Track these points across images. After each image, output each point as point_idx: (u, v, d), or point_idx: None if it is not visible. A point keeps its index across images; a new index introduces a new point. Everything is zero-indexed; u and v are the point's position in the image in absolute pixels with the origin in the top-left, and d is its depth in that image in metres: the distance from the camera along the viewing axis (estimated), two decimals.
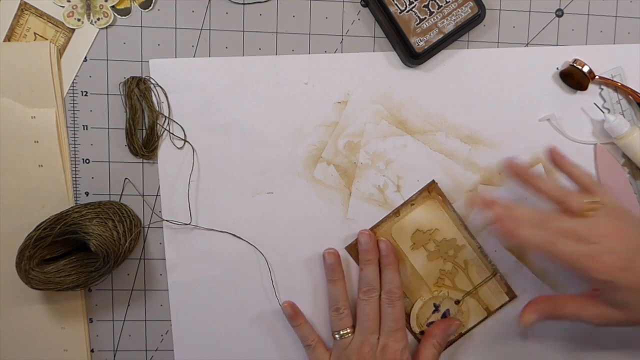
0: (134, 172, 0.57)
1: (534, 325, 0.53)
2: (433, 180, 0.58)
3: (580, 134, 0.59)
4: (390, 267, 0.57)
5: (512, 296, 0.60)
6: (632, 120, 0.58)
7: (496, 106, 0.58)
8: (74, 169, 0.56)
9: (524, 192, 0.59)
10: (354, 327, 0.57)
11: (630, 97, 0.58)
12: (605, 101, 0.58)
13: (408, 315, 0.60)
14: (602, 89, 0.58)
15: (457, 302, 0.60)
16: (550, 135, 0.58)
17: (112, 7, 0.55)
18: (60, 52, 0.55)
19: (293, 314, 0.58)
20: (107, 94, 0.56)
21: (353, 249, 0.58)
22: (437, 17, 0.55)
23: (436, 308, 0.60)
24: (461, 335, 0.60)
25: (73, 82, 0.56)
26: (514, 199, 0.59)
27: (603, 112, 0.58)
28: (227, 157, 0.57)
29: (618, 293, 0.49)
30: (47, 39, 0.55)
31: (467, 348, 0.60)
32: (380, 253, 0.57)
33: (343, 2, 0.57)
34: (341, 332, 0.57)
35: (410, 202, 0.59)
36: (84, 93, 0.56)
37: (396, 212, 0.58)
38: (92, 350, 0.58)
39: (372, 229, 0.58)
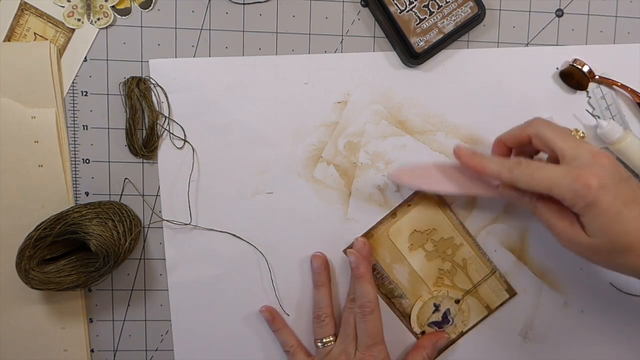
0: (134, 172, 0.57)
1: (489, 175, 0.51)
2: None
3: None
4: (361, 279, 0.55)
5: (512, 293, 0.60)
6: (624, 124, 0.58)
7: (496, 106, 0.58)
8: (74, 169, 0.56)
9: None
10: (337, 335, 0.57)
11: (629, 98, 0.58)
12: (594, 108, 0.58)
13: (408, 316, 0.60)
14: (590, 97, 0.58)
15: (457, 301, 0.60)
16: None
17: (112, 7, 0.55)
18: (60, 52, 0.55)
19: (271, 319, 0.57)
20: (107, 94, 0.56)
21: None
22: (437, 17, 0.55)
23: (436, 308, 0.60)
24: (462, 334, 0.60)
25: (73, 82, 0.56)
26: None
27: (595, 118, 0.58)
28: (227, 157, 0.57)
29: (591, 213, 0.46)
30: (47, 39, 0.55)
31: (469, 347, 0.61)
32: (350, 265, 0.56)
33: (343, 2, 0.57)
34: (324, 340, 0.56)
35: (406, 203, 0.59)
36: (84, 93, 0.56)
37: (393, 214, 0.58)
38: (92, 350, 0.58)
39: (369, 231, 0.58)
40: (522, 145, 0.52)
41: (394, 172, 0.56)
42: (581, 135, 0.52)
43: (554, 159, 0.49)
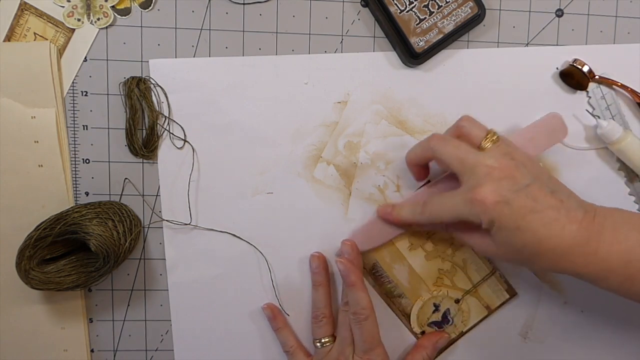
0: (134, 172, 0.57)
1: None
2: (428, 180, 0.58)
3: (579, 135, 0.59)
4: (352, 287, 0.54)
5: (512, 293, 0.60)
6: (624, 124, 0.58)
7: (496, 106, 0.58)
8: (74, 169, 0.56)
9: None
10: (335, 335, 0.56)
11: (629, 98, 0.58)
12: (594, 109, 0.58)
13: (408, 316, 0.60)
14: (590, 97, 0.58)
15: (457, 301, 0.60)
16: None
17: (112, 7, 0.55)
18: (60, 52, 0.55)
19: (272, 317, 0.57)
20: (107, 94, 0.56)
21: None
22: (437, 17, 0.55)
23: (436, 308, 0.60)
24: (462, 334, 0.60)
25: (73, 82, 0.56)
26: None
27: (595, 118, 0.58)
28: (227, 157, 0.57)
29: (494, 228, 0.47)
30: (47, 39, 0.55)
31: (468, 347, 0.61)
32: (340, 274, 0.55)
33: (343, 2, 0.57)
34: (322, 340, 0.56)
35: None
36: (84, 93, 0.56)
37: None
38: (92, 350, 0.58)
39: None
40: (430, 161, 0.53)
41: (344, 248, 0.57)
42: (493, 139, 0.49)
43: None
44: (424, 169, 0.55)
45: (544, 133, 0.55)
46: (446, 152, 0.49)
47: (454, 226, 0.52)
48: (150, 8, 0.56)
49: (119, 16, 0.55)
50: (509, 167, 0.47)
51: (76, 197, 0.57)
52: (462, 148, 0.49)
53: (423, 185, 0.57)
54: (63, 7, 0.55)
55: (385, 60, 0.57)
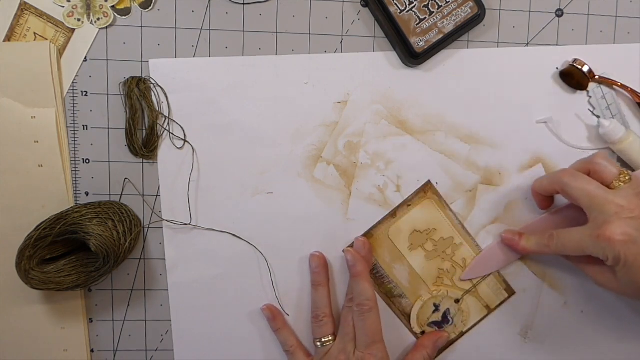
0: (134, 172, 0.57)
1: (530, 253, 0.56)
2: (429, 181, 0.58)
3: (579, 135, 0.59)
4: (358, 278, 0.55)
5: (510, 292, 0.60)
6: (624, 124, 0.58)
7: (496, 106, 0.58)
8: (74, 169, 0.56)
9: (523, 193, 0.59)
10: (336, 334, 0.57)
11: (629, 98, 0.58)
12: (594, 108, 0.58)
13: (408, 316, 0.60)
14: (590, 97, 0.58)
15: (457, 300, 0.60)
16: (550, 135, 0.59)
17: (112, 7, 0.55)
18: (60, 52, 0.55)
19: (272, 317, 0.58)
20: (107, 94, 0.56)
21: None
22: (437, 17, 0.55)
23: (436, 308, 0.60)
24: (462, 334, 0.60)
25: (73, 82, 0.56)
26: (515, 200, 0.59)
27: (597, 117, 0.58)
28: (227, 157, 0.57)
29: (619, 265, 0.48)
30: (47, 39, 0.55)
31: (469, 347, 0.61)
32: (347, 264, 0.56)
33: (343, 2, 0.57)
34: (323, 340, 0.56)
35: (406, 203, 0.59)
36: (84, 93, 0.56)
37: (393, 214, 0.58)
38: (92, 350, 0.58)
39: (369, 231, 0.58)
40: (557, 193, 0.55)
41: (466, 274, 0.59)
42: (626, 179, 0.50)
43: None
44: (549, 199, 0.57)
45: None
46: (577, 187, 0.51)
47: (578, 259, 0.53)
48: (150, 8, 0.56)
49: (119, 16, 0.55)
50: (638, 208, 0.48)
51: (76, 197, 0.57)
52: (593, 185, 0.50)
53: (545, 213, 0.58)
54: (63, 7, 0.55)
55: (385, 60, 0.57)
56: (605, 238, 0.48)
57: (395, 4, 0.55)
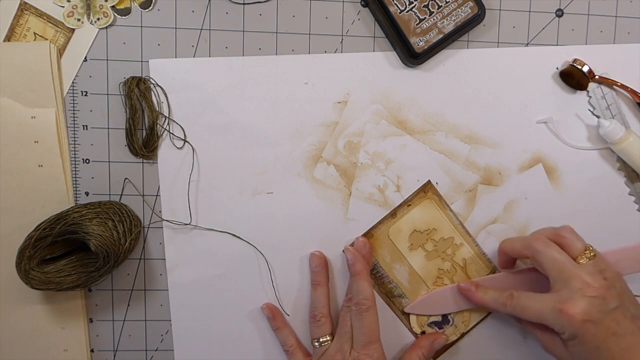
0: (134, 172, 0.57)
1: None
2: (429, 181, 0.58)
3: (579, 135, 0.59)
4: (357, 276, 0.55)
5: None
6: (624, 124, 0.58)
7: (496, 106, 0.58)
8: (74, 169, 0.56)
9: (523, 193, 0.59)
10: (334, 334, 0.56)
11: (629, 98, 0.58)
12: (594, 108, 0.58)
13: (408, 316, 0.60)
14: (590, 97, 0.58)
15: None
16: (550, 135, 0.59)
17: (112, 7, 0.55)
18: (60, 52, 0.55)
19: (272, 316, 0.58)
20: (107, 94, 0.56)
21: None
22: (437, 17, 0.55)
23: None
24: (463, 334, 0.60)
25: (73, 82, 0.56)
26: (513, 201, 0.59)
27: (597, 117, 0.58)
28: (227, 157, 0.57)
29: (574, 341, 0.49)
30: (47, 39, 0.55)
31: (469, 347, 0.61)
32: (347, 262, 0.56)
33: (343, 2, 0.57)
34: (320, 340, 0.56)
35: (406, 203, 0.59)
36: (84, 93, 0.56)
37: (393, 214, 0.58)
38: (92, 350, 0.58)
39: (369, 231, 0.58)
40: (524, 257, 0.56)
41: (411, 307, 0.59)
42: (590, 255, 0.51)
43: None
44: (513, 261, 0.58)
45: (635, 260, 0.57)
46: (548, 256, 0.51)
47: (531, 322, 0.53)
48: (150, 8, 0.56)
49: (119, 16, 0.55)
50: (602, 287, 0.49)
51: (76, 197, 0.57)
52: (564, 257, 0.51)
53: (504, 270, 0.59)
54: (63, 7, 0.55)
55: (385, 60, 0.57)
56: (567, 314, 0.48)
57: (395, 4, 0.55)
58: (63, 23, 0.55)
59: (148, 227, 0.57)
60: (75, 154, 0.56)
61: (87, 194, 0.57)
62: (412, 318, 0.60)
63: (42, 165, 0.56)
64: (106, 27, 0.55)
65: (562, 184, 0.59)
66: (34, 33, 0.55)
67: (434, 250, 0.59)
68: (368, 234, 0.58)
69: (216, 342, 0.59)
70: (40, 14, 0.55)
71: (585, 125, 0.59)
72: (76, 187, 0.57)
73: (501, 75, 0.58)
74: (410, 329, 0.60)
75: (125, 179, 0.57)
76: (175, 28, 0.56)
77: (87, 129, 0.56)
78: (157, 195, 0.57)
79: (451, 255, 0.59)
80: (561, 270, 0.50)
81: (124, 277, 0.58)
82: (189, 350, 0.59)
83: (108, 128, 0.56)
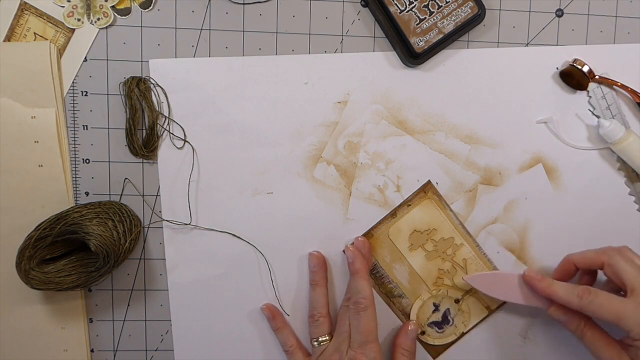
0: (134, 172, 0.57)
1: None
2: (429, 181, 0.58)
3: (579, 135, 0.59)
4: (356, 275, 0.55)
5: None
6: (624, 124, 0.58)
7: (496, 106, 0.58)
8: (74, 169, 0.56)
9: (523, 193, 0.59)
10: (332, 333, 0.56)
11: (629, 98, 0.58)
12: (594, 108, 0.58)
13: (408, 315, 0.60)
14: (590, 97, 0.58)
15: (457, 300, 0.60)
16: (550, 135, 0.59)
17: (112, 7, 0.55)
18: (60, 52, 0.55)
19: (272, 317, 0.58)
20: (107, 94, 0.56)
21: None
22: (437, 17, 0.55)
23: (436, 307, 0.60)
24: (463, 334, 0.60)
25: (73, 82, 0.56)
26: (515, 200, 0.59)
27: (597, 117, 0.58)
28: (227, 157, 0.57)
29: None
30: (47, 39, 0.55)
31: (469, 347, 0.61)
32: (347, 261, 0.56)
33: (343, 2, 0.57)
34: (319, 339, 0.56)
35: (406, 203, 0.59)
36: (84, 93, 0.56)
37: (393, 214, 0.58)
38: (92, 350, 0.58)
39: (369, 231, 0.58)
40: (591, 269, 0.56)
41: (472, 277, 0.58)
42: None
43: (617, 289, 0.54)
44: (571, 275, 0.57)
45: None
46: (625, 264, 0.52)
47: (592, 331, 0.53)
48: (150, 8, 0.56)
49: (119, 16, 0.55)
50: None
51: (76, 197, 0.57)
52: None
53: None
54: (63, 7, 0.55)
55: (385, 60, 0.57)
56: None
57: (395, 4, 0.55)
58: (63, 23, 0.55)
59: (148, 227, 0.57)
60: (75, 154, 0.56)
61: (87, 194, 0.57)
62: (412, 318, 0.60)
63: (42, 165, 0.56)
64: (106, 27, 0.55)
65: (562, 184, 0.59)
66: (34, 33, 0.55)
67: (434, 250, 0.59)
68: (368, 234, 0.58)
69: (216, 342, 0.59)
70: (40, 14, 0.55)
71: (585, 125, 0.59)
72: (76, 187, 0.57)
73: (501, 75, 0.58)
74: None
75: (125, 179, 0.57)
76: (175, 28, 0.56)
77: (87, 129, 0.56)
78: (157, 195, 0.57)
79: (451, 255, 0.59)
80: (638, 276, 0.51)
81: (124, 277, 0.58)
82: (189, 350, 0.59)
83: (108, 128, 0.56)
